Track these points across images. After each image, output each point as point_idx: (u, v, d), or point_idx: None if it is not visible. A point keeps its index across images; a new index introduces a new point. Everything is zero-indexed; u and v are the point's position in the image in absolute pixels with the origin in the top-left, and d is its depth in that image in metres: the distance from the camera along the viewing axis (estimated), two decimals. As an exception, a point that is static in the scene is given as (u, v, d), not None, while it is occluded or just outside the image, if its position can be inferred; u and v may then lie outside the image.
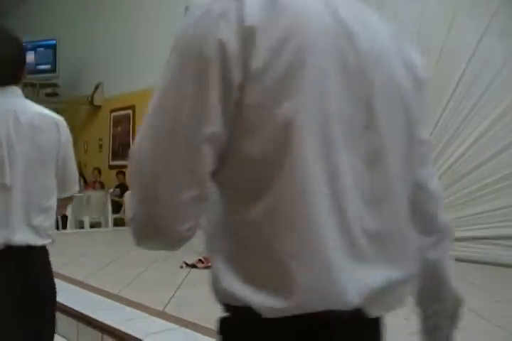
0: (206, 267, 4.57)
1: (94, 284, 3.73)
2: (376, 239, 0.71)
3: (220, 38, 0.63)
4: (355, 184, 0.69)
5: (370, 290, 0.69)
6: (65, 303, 3.21)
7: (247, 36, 0.63)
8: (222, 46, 0.63)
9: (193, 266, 4.62)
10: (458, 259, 5.67)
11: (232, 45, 0.63)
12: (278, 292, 0.65)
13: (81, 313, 3.02)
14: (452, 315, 0.93)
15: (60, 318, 3.20)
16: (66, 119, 1.73)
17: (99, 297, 3.28)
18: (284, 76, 0.63)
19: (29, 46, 10.86)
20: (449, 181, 5.43)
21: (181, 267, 4.61)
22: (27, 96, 1.69)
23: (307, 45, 0.65)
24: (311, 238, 0.65)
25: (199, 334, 2.64)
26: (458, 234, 5.30)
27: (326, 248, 0.66)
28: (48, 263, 1.71)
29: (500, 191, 5.09)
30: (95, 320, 2.91)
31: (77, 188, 1.84)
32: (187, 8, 0.83)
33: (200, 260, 4.68)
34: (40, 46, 10.73)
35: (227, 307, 0.71)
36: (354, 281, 0.67)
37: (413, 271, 0.77)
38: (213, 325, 2.46)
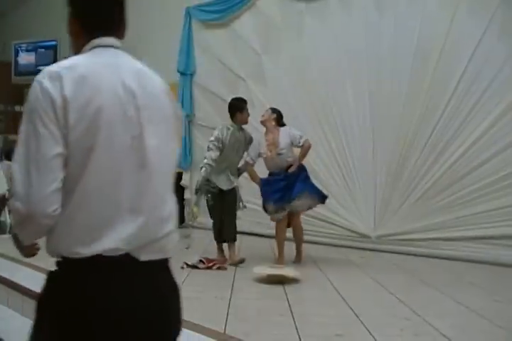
0: (207, 268, 4.58)
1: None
2: (138, 211, 1.18)
3: (51, 100, 1.11)
4: (129, 176, 1.18)
5: (132, 242, 1.16)
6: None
7: (64, 103, 1.12)
8: (53, 104, 1.11)
9: (194, 266, 4.62)
10: (458, 259, 5.70)
11: (58, 104, 1.11)
12: (73, 244, 1.14)
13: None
14: None
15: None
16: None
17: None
18: (87, 128, 1.13)
19: (30, 47, 10.87)
20: (450, 181, 5.43)
21: (182, 268, 4.61)
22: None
23: (101, 109, 1.14)
24: (90, 210, 1.14)
25: (200, 335, 2.64)
26: (458, 233, 5.31)
27: (100, 216, 1.15)
28: None
29: (501, 190, 5.09)
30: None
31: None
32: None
33: (200, 260, 4.68)
34: (40, 47, 10.72)
35: (56, 262, 1.18)
36: (120, 236, 1.15)
37: (169, 229, 1.24)
38: (215, 325, 2.49)
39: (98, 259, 1.13)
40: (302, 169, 4.91)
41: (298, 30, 6.82)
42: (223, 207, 4.90)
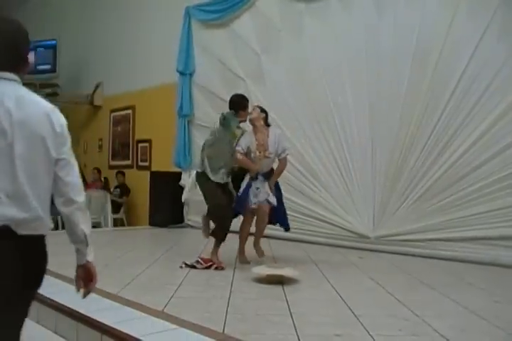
0: (205, 267, 4.57)
1: (93, 284, 3.73)
2: (13, 197, 1.57)
3: None
4: (1, 173, 1.57)
5: (8, 219, 1.56)
6: (64, 303, 3.21)
7: None
8: None
9: (193, 266, 4.62)
10: (457, 259, 5.68)
11: None
12: None
13: (80, 313, 3.01)
14: (82, 241, 1.79)
15: (60, 318, 3.20)
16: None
17: (99, 297, 3.27)
18: None
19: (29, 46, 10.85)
20: (450, 181, 5.43)
21: (181, 267, 4.61)
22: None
23: None
24: None
25: (199, 335, 2.64)
26: (457, 234, 5.31)
27: None
28: None
29: (500, 191, 5.09)
30: (95, 320, 2.91)
31: None
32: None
33: (197, 261, 4.67)
34: (40, 46, 10.71)
35: None
36: None
37: (35, 216, 1.61)
38: (213, 325, 2.48)
39: None
40: (277, 187, 4.96)
41: (297, 30, 6.83)
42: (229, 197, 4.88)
